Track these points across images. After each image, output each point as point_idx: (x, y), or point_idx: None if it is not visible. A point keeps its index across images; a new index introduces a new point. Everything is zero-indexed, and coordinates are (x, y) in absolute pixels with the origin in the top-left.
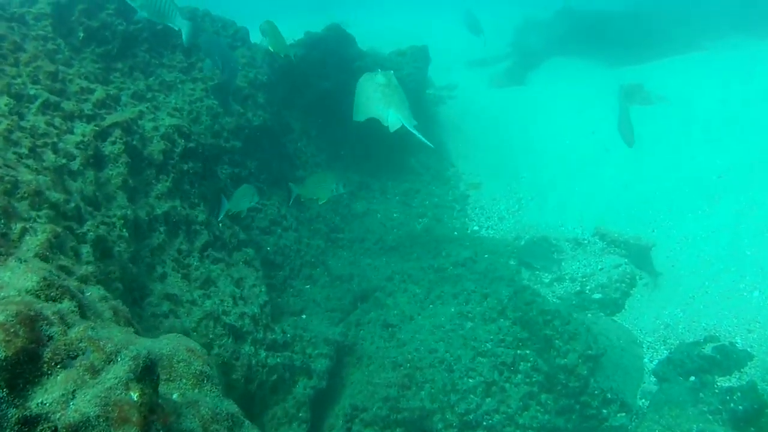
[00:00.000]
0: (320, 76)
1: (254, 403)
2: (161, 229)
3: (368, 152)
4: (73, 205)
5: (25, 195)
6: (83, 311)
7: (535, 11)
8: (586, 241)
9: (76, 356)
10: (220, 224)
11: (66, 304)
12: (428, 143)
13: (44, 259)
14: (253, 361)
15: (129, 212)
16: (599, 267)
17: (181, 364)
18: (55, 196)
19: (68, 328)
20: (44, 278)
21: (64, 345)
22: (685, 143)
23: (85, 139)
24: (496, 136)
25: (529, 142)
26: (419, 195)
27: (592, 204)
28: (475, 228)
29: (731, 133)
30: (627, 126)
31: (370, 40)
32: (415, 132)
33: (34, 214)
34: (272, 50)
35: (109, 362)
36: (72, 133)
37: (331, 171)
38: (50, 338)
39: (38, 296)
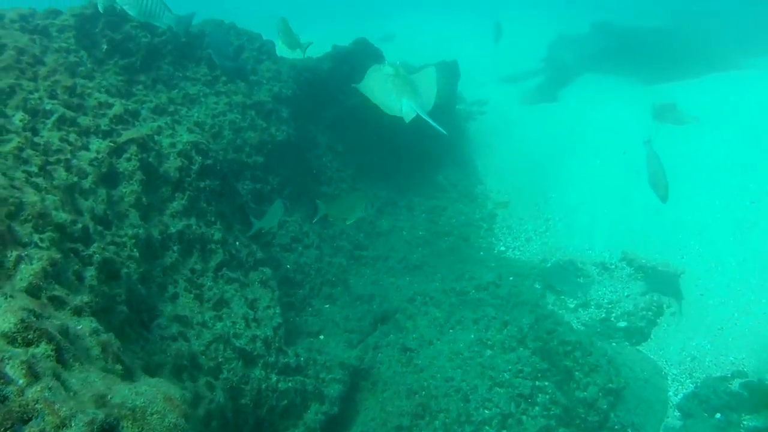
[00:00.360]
0: (347, 90)
1: (263, 429)
2: (174, 248)
3: (395, 168)
4: (80, 226)
5: (29, 217)
6: (61, 355)
7: (570, 27)
8: (613, 266)
9: (29, 419)
10: (237, 243)
11: (42, 348)
12: (443, 131)
13: (37, 289)
14: (263, 386)
15: (141, 231)
16: (626, 293)
17: (154, 416)
18: (62, 216)
19: (34, 379)
20: (22, 320)
21: (19, 407)
22: (717, 166)
23: (100, 156)
24: (526, 154)
25: (559, 161)
26: (446, 212)
27: (621, 227)
28: (502, 248)
29: (766, 156)
30: (660, 177)
31: (404, 54)
32: (429, 120)
33: (36, 237)
34: (286, 47)
35: (63, 427)
36: (87, 149)
37: (360, 191)
38: (5, 399)
39: (14, 339)
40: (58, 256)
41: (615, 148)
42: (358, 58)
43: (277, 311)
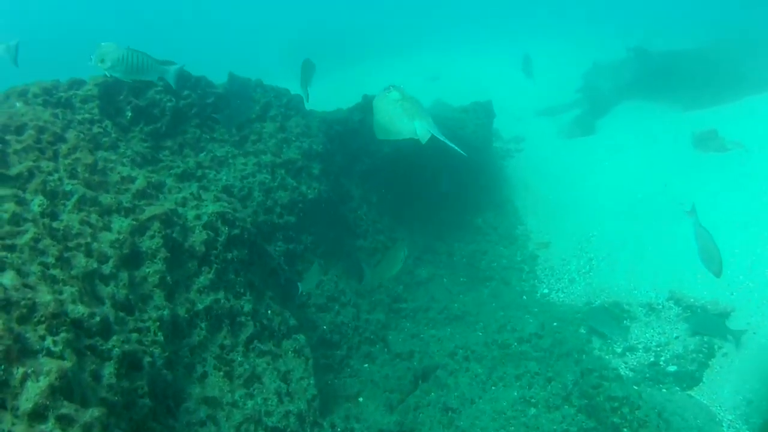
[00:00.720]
0: (379, 140)
1: None
2: (202, 325)
3: (433, 214)
4: (98, 319)
5: (42, 318)
6: None
7: (604, 54)
8: (660, 306)
9: None
10: (269, 311)
11: None
12: (460, 151)
13: (44, 409)
14: None
15: (166, 313)
16: (674, 335)
17: None
18: (79, 311)
19: None
20: None
21: None
22: (764, 195)
23: (121, 237)
24: (565, 191)
25: (599, 197)
26: (487, 256)
27: (666, 265)
28: (545, 291)
29: None
30: (712, 252)
31: (448, 92)
32: (445, 140)
33: (49, 340)
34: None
35: None
36: (109, 229)
37: (399, 241)
38: None
39: None
40: (69, 364)
41: (656, 181)
42: None
43: (311, 382)
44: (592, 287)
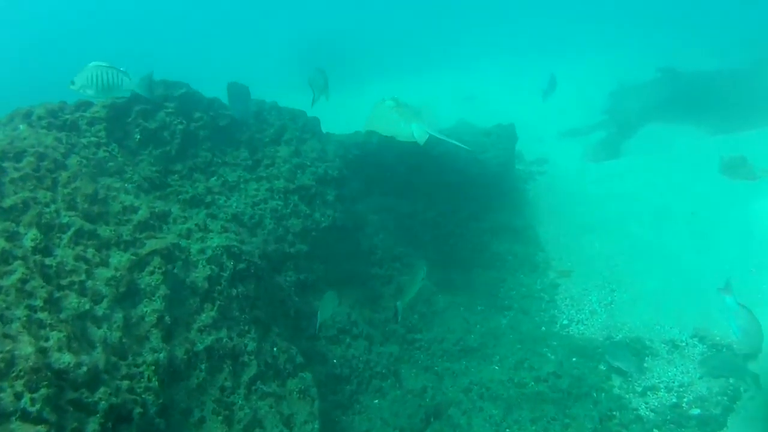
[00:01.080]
0: (398, 165)
1: None
2: (202, 366)
3: (452, 240)
4: (84, 369)
5: (21, 373)
6: None
7: (630, 74)
8: (684, 344)
9: None
10: (275, 349)
11: None
12: (463, 146)
13: None
14: None
15: (162, 356)
16: (698, 375)
17: None
18: (65, 360)
19: None
20: None
21: None
22: None
23: (118, 274)
24: (589, 218)
25: (624, 225)
26: (506, 284)
27: (692, 299)
28: (565, 322)
29: None
30: (753, 331)
31: (481, 112)
32: (442, 137)
33: (27, 399)
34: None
35: None
36: (106, 265)
37: (416, 266)
38: None
39: None
40: (44, 430)
41: (683, 209)
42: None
43: (315, 426)
44: (614, 320)
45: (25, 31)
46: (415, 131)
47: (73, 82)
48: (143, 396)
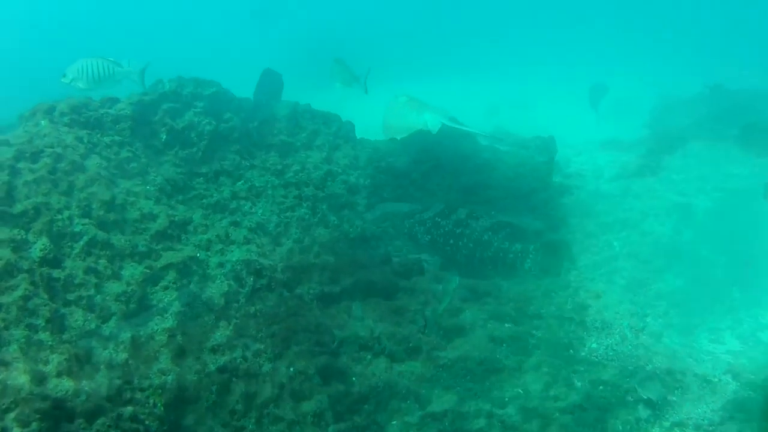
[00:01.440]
0: (432, 178)
1: None
2: (213, 388)
3: (484, 254)
4: (83, 398)
5: (12, 406)
6: None
7: (673, 89)
8: (716, 379)
9: None
10: (291, 369)
11: None
12: (476, 131)
13: None
14: None
15: (170, 378)
16: (729, 414)
17: None
18: (63, 387)
19: None
20: None
21: None
22: None
23: (130, 289)
24: (624, 236)
25: (662, 247)
26: (535, 302)
27: (728, 332)
28: (594, 346)
29: None
30: None
31: (507, 125)
32: (455, 125)
33: None
34: (342, 86)
35: None
36: (118, 278)
37: (448, 276)
38: None
39: None
40: None
41: (724, 234)
42: (445, 145)
43: None
44: (645, 348)
45: (31, 29)
46: (429, 121)
47: (65, 75)
48: (146, 422)
